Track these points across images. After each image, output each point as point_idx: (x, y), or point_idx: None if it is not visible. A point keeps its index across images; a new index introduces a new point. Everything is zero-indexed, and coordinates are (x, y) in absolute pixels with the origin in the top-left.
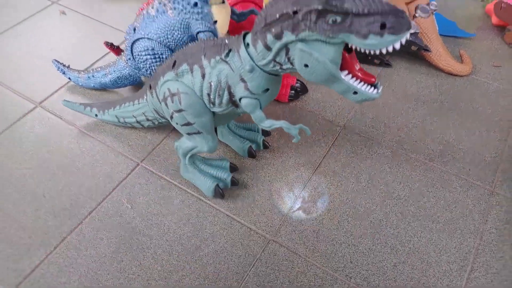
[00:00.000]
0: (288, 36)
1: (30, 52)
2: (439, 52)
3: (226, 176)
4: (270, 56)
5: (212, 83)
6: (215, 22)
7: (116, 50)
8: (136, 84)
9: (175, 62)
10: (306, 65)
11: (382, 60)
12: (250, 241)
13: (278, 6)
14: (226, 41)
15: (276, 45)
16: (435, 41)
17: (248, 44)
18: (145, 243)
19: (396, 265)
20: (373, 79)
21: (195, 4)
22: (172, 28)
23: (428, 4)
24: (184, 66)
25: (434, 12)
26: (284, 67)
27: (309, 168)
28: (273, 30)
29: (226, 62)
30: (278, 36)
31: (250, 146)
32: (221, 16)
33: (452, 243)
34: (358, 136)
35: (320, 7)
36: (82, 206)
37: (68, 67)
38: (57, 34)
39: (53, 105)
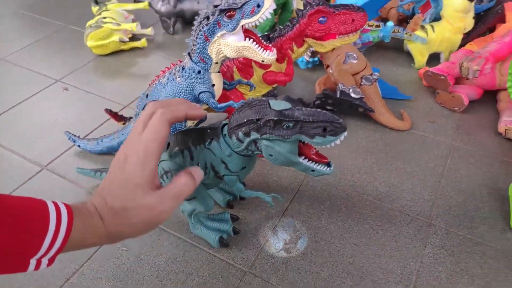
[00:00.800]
0: (254, 135)
1: (36, 123)
2: (381, 112)
3: (227, 227)
4: (243, 146)
5: (199, 164)
6: (213, 85)
7: (115, 115)
8: None
9: (169, 144)
10: (270, 155)
11: (365, 108)
12: (229, 274)
13: (245, 113)
14: (208, 130)
15: (246, 140)
16: (378, 103)
17: (225, 135)
18: (139, 280)
19: (352, 286)
20: (325, 160)
21: (199, 72)
22: (179, 91)
23: (371, 75)
24: (176, 149)
25: (377, 80)
26: (255, 152)
27: (278, 211)
28: (242, 129)
29: (209, 149)
30: (247, 135)
31: (229, 199)
32: (217, 82)
33: (398, 266)
34: (319, 182)
35: (275, 118)
36: (83, 252)
37: (79, 137)
38: (60, 107)
39: (57, 168)
